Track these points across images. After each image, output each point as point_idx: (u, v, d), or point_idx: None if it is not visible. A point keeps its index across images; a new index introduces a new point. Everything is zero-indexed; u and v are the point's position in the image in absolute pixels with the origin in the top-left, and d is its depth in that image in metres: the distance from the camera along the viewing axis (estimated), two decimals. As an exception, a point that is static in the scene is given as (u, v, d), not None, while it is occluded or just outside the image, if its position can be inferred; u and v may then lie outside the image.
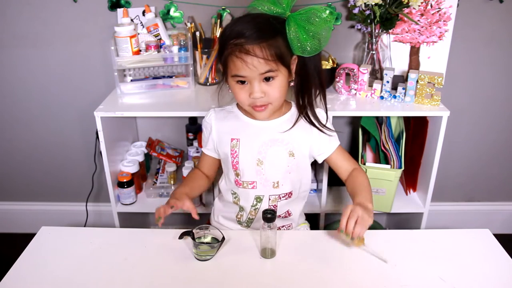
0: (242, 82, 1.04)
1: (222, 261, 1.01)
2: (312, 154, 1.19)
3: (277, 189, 1.17)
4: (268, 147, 1.14)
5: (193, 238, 1.00)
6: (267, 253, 1.02)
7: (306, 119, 1.13)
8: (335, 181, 1.71)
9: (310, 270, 0.99)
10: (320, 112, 1.16)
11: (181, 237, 1.03)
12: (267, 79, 1.03)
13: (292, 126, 1.12)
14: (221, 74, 1.11)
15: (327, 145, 1.18)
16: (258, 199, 1.18)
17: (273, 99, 1.06)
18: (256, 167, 1.15)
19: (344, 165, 1.20)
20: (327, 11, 0.99)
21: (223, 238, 1.01)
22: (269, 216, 0.98)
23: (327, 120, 1.16)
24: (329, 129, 1.16)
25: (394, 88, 1.50)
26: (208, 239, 1.04)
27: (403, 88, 1.47)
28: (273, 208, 1.02)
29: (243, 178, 1.17)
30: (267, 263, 1.01)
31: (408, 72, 1.48)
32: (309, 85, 1.09)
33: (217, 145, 1.20)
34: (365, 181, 1.17)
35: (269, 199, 1.17)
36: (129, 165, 1.62)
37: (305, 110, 1.12)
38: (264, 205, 1.18)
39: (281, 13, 1.02)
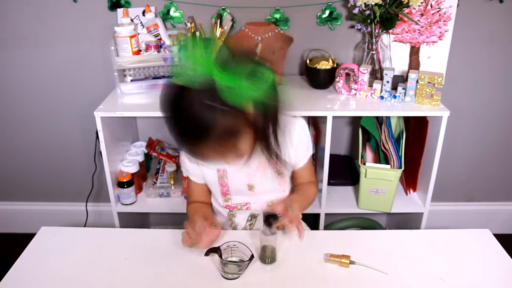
0: None
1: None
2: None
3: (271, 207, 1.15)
4: (256, 172, 1.11)
5: (220, 256, 0.94)
6: (267, 258, 1.00)
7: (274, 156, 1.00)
8: (335, 181, 1.71)
9: (310, 272, 0.99)
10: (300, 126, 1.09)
11: (207, 254, 0.96)
12: None
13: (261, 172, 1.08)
14: None
15: (302, 157, 1.15)
16: (253, 216, 1.18)
17: (243, 157, 0.97)
18: (248, 191, 1.14)
19: (303, 176, 1.18)
20: (264, 72, 0.85)
21: (252, 256, 0.94)
22: (272, 220, 0.96)
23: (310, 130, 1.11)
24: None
25: (394, 88, 1.50)
26: (234, 258, 0.99)
27: (403, 88, 1.47)
28: (276, 213, 0.99)
29: (236, 201, 1.16)
30: (267, 269, 1.00)
31: (408, 72, 1.48)
32: (266, 133, 0.93)
33: (203, 173, 1.15)
34: (311, 195, 1.17)
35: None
36: (129, 165, 1.62)
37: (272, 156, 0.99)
38: (259, 221, 1.17)
39: (207, 73, 0.82)
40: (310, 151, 1.17)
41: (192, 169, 1.15)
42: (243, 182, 1.12)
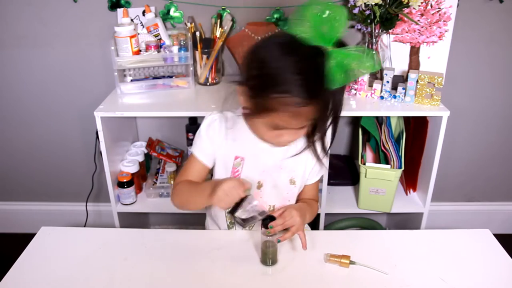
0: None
1: (221, 267, 0.99)
2: None
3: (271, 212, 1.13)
4: (271, 172, 1.09)
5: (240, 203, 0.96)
6: (268, 260, 0.99)
7: (312, 150, 1.06)
8: (335, 181, 1.71)
9: (310, 273, 0.98)
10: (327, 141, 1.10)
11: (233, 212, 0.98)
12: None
13: (297, 154, 1.06)
14: (242, 100, 0.97)
15: (315, 174, 1.16)
16: None
17: (297, 139, 1.02)
18: (256, 190, 1.11)
19: (309, 193, 1.19)
20: (372, 58, 0.90)
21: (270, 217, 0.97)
22: (269, 221, 0.96)
23: (329, 148, 1.11)
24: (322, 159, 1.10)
25: (394, 88, 1.50)
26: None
27: (403, 88, 1.47)
28: (273, 214, 0.98)
29: None
30: (268, 271, 0.99)
31: (408, 72, 1.48)
32: (327, 117, 0.97)
33: (216, 156, 1.10)
34: (314, 210, 1.17)
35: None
36: (129, 165, 1.62)
37: (315, 142, 1.05)
38: (258, 225, 1.14)
39: (323, 45, 0.92)
40: (323, 171, 1.17)
41: (206, 148, 1.09)
42: (256, 176, 1.09)
